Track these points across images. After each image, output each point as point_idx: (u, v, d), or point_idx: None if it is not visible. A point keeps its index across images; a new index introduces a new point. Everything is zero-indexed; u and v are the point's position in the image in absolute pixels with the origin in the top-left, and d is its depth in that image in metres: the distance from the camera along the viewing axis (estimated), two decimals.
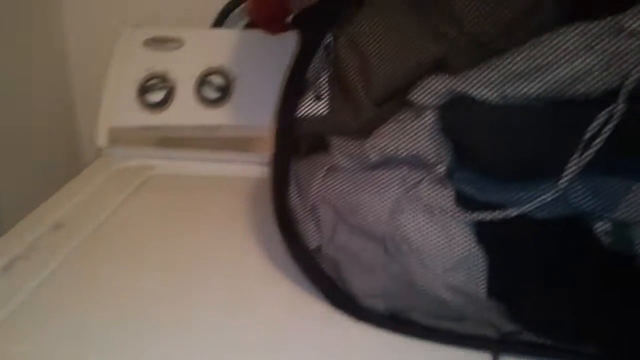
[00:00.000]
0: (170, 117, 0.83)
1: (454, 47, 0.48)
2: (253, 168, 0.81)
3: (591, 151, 0.42)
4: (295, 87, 0.54)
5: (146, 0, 0.93)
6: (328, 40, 0.52)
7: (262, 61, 0.80)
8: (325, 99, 0.53)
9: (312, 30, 0.53)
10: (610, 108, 0.41)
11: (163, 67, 0.82)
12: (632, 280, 0.44)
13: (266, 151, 0.83)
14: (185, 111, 0.83)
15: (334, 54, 0.52)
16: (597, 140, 0.42)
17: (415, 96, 0.50)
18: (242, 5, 0.87)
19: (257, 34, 0.79)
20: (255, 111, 0.81)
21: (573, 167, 0.43)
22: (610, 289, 0.45)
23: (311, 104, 0.54)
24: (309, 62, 0.53)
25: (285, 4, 0.57)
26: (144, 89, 0.82)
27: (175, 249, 0.64)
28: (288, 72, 0.54)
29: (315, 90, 0.54)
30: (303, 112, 0.54)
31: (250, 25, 0.86)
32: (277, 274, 0.61)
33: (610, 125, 0.41)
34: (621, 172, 0.42)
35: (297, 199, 0.57)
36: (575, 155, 0.43)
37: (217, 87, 0.81)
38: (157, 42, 0.83)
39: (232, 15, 0.88)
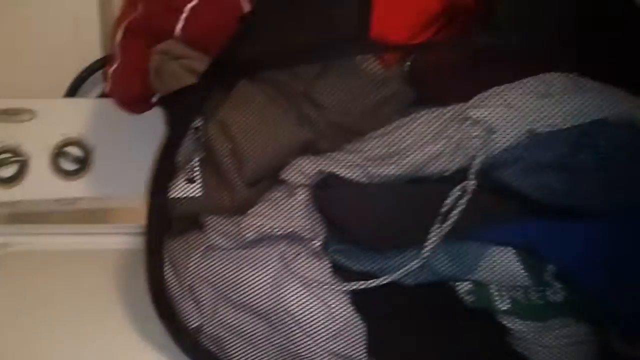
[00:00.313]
0: (25, 191, 0.78)
1: (319, 131, 0.51)
2: (117, 240, 0.78)
3: (449, 223, 0.47)
4: (165, 169, 0.54)
5: None
6: (198, 124, 0.53)
7: (119, 130, 0.79)
8: (197, 181, 0.54)
9: (181, 113, 0.53)
10: (462, 184, 0.47)
11: (15, 141, 0.78)
12: (494, 333, 0.49)
13: (129, 221, 0.82)
14: (41, 184, 0.78)
15: (205, 137, 0.53)
16: (454, 213, 0.47)
17: (287, 176, 0.53)
18: (95, 74, 0.84)
19: (112, 103, 0.78)
20: (115, 182, 0.78)
21: (434, 237, 0.47)
22: (475, 343, 0.50)
23: (183, 186, 0.54)
24: (179, 145, 0.54)
25: (149, 85, 0.57)
26: None
27: (36, 338, 0.60)
28: (158, 155, 0.55)
29: (187, 173, 0.54)
30: (175, 193, 0.54)
31: (104, 94, 0.84)
32: (156, 355, 0.59)
33: (464, 199, 0.47)
34: (476, 239, 0.48)
35: (174, 279, 0.57)
36: (435, 227, 0.48)
37: (75, 159, 0.78)
38: (8, 114, 0.78)
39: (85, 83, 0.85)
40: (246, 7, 0.54)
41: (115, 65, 0.59)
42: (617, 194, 0.45)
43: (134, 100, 0.60)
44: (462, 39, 0.46)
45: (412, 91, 0.51)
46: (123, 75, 0.59)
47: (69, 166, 0.78)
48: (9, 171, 0.77)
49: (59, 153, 0.78)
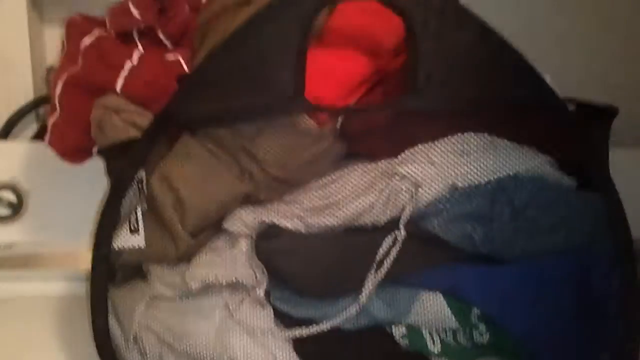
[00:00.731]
0: None
1: (259, 184, 0.54)
2: (54, 286, 0.78)
3: (383, 270, 0.51)
4: (109, 220, 0.55)
5: None
6: (140, 176, 0.54)
7: (54, 173, 0.78)
8: (141, 232, 0.55)
9: (124, 165, 0.54)
10: (393, 234, 0.50)
11: None
12: None
13: (66, 267, 0.82)
14: None
15: (147, 189, 0.55)
16: (387, 260, 0.51)
17: (229, 226, 0.55)
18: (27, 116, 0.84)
19: (46, 146, 0.77)
20: (50, 226, 0.78)
21: (369, 284, 0.51)
22: None
23: (127, 236, 0.55)
24: (122, 197, 0.55)
25: (89, 136, 0.58)
26: None
27: None
28: (102, 206, 0.55)
29: (131, 224, 0.55)
30: (119, 244, 0.55)
31: (38, 136, 0.83)
32: None
33: (395, 248, 0.50)
34: (408, 284, 0.52)
35: (118, 328, 0.58)
36: (370, 274, 0.51)
37: (8, 203, 0.77)
38: None
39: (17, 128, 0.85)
40: (186, 66, 0.56)
41: (55, 118, 0.60)
42: (530, 242, 0.50)
43: (74, 151, 0.61)
44: (387, 104, 0.50)
45: (344, 146, 0.54)
46: (63, 127, 0.60)
47: (2, 211, 0.77)
48: None
49: None
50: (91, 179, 0.71)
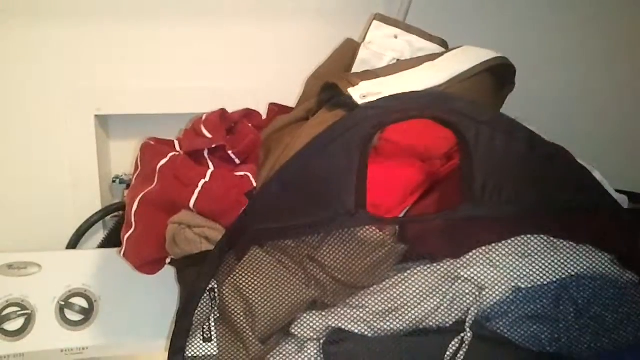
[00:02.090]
0: (32, 343, 0.79)
1: (324, 288, 0.56)
2: None
3: None
4: (183, 329, 0.58)
5: None
6: (212, 286, 0.57)
7: (123, 279, 0.81)
8: (213, 340, 0.58)
9: (197, 276, 0.58)
10: (460, 336, 0.52)
11: (21, 294, 0.80)
12: None
13: None
14: (48, 336, 0.79)
15: (219, 298, 0.57)
16: None
17: (296, 330, 0.57)
18: (95, 227, 0.90)
19: (114, 253, 0.81)
20: (120, 330, 0.79)
21: None
22: None
23: (200, 345, 0.58)
24: (195, 307, 0.57)
25: (162, 249, 0.62)
26: (1, 319, 0.78)
27: None
28: (176, 315, 0.58)
29: (204, 332, 0.58)
30: (193, 352, 0.58)
31: (106, 243, 0.88)
32: None
33: (463, 349, 0.52)
34: None
35: None
36: None
37: (80, 309, 0.80)
38: (13, 268, 0.81)
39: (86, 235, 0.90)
40: (254, 181, 0.60)
41: (130, 232, 0.64)
42: (596, 339, 0.51)
43: (148, 263, 0.64)
44: (445, 214, 0.52)
45: (404, 248, 0.57)
46: (138, 242, 0.64)
47: (74, 317, 0.80)
48: (15, 325, 0.78)
49: (64, 304, 0.80)
50: (159, 284, 0.74)
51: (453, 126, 0.51)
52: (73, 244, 0.89)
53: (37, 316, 0.79)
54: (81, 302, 0.81)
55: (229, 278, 0.57)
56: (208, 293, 0.57)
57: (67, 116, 0.89)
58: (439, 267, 0.54)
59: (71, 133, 0.90)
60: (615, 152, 0.92)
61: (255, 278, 0.57)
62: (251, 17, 0.87)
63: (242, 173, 0.61)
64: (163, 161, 0.62)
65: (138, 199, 0.63)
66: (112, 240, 0.88)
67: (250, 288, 0.57)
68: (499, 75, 0.66)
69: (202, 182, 0.59)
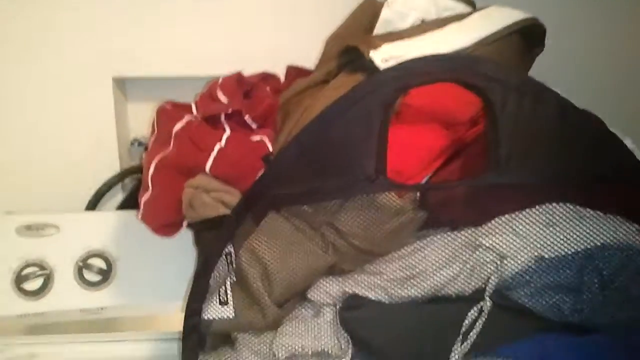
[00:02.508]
0: (51, 303, 0.79)
1: (342, 255, 0.56)
2: (144, 346, 0.80)
3: (469, 341, 0.51)
4: (200, 292, 0.58)
5: (15, 186, 0.92)
6: (229, 250, 0.57)
7: (141, 240, 0.81)
8: (229, 304, 0.58)
9: (214, 240, 0.57)
10: (479, 305, 0.51)
11: (39, 254, 0.79)
12: None
13: (155, 329, 0.85)
14: (66, 296, 0.79)
15: (236, 262, 0.57)
16: (473, 332, 0.51)
17: (313, 296, 0.57)
18: (114, 188, 0.90)
19: (132, 215, 0.81)
20: (138, 290, 0.80)
21: (456, 356, 0.51)
22: None
23: (216, 308, 0.58)
24: (211, 270, 0.57)
25: (180, 213, 0.61)
26: (20, 278, 0.79)
27: None
28: (192, 279, 0.58)
29: (220, 295, 0.58)
30: (209, 315, 0.58)
31: (124, 206, 0.88)
32: None
33: (482, 319, 0.51)
34: (495, 355, 0.52)
35: None
36: (456, 346, 0.51)
37: (98, 270, 0.81)
38: (31, 229, 0.81)
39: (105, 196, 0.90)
40: (270, 146, 0.59)
41: (147, 196, 0.64)
42: (620, 310, 0.50)
43: (165, 225, 0.64)
44: (469, 181, 0.51)
45: (424, 215, 0.56)
46: (155, 205, 0.63)
47: (93, 277, 0.81)
48: (34, 284, 0.79)
49: (82, 265, 0.81)
50: (177, 246, 0.74)
51: (479, 90, 0.49)
52: (92, 205, 0.89)
53: (56, 276, 0.79)
54: (99, 262, 0.81)
55: (246, 242, 0.56)
56: (225, 256, 0.57)
57: (85, 79, 0.88)
58: (459, 234, 0.53)
59: (89, 95, 0.90)
60: None
61: (273, 242, 0.56)
62: None
63: (258, 137, 0.60)
64: (179, 125, 0.61)
65: (154, 162, 0.62)
66: (130, 203, 0.88)
67: (267, 252, 0.56)
68: (528, 36, 0.63)
69: (217, 146, 0.58)
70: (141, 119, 0.94)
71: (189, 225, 0.63)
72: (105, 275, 0.81)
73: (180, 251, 0.76)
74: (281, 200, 0.54)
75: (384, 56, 0.58)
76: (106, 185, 0.89)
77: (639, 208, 0.50)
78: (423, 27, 0.64)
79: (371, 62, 0.59)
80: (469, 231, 0.53)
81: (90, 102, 0.89)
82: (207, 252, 0.58)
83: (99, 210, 0.90)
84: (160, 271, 0.79)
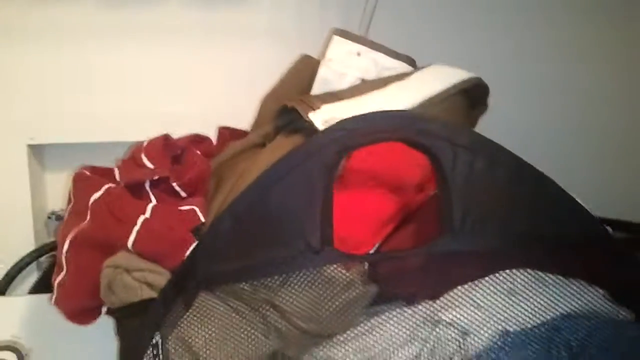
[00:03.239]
0: None
1: (286, 339, 0.49)
2: None
3: None
4: None
5: None
6: (155, 340, 0.50)
7: (57, 329, 0.72)
8: None
9: (137, 329, 0.50)
10: None
11: None
12: None
13: None
14: None
15: (163, 354, 0.50)
16: None
17: None
18: (28, 268, 0.80)
19: (47, 299, 0.73)
20: None
21: None
22: None
23: None
24: None
25: (98, 296, 0.54)
26: None
27: None
28: None
29: None
30: None
31: (39, 288, 0.79)
32: None
33: None
34: None
35: None
36: None
37: None
38: None
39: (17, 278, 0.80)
40: (201, 216, 0.53)
41: (61, 277, 0.56)
42: None
43: (81, 311, 0.56)
44: (422, 249, 0.46)
45: (375, 288, 0.50)
46: (70, 287, 0.56)
47: None
48: None
49: None
50: (99, 337, 0.66)
51: (426, 149, 0.45)
52: (2, 289, 0.79)
53: None
54: (10, 356, 0.71)
55: (175, 330, 0.49)
56: (151, 349, 0.50)
57: None
58: (416, 309, 0.48)
59: (1, 165, 0.82)
60: (591, 176, 0.88)
61: (206, 329, 0.49)
62: (195, 35, 0.81)
63: (187, 207, 0.53)
64: (97, 194, 0.54)
65: (69, 238, 0.54)
66: (46, 285, 0.78)
67: (200, 341, 0.49)
68: (470, 96, 0.61)
69: (141, 218, 0.51)
70: (60, 190, 0.87)
71: (109, 312, 0.56)
72: None
73: (103, 341, 0.68)
74: (215, 279, 0.48)
75: (325, 117, 0.54)
76: (18, 266, 0.79)
77: (603, 271, 0.47)
78: (364, 86, 0.61)
79: (311, 124, 0.55)
80: (427, 305, 0.48)
81: (1, 171, 0.82)
82: (130, 344, 0.51)
83: (10, 295, 0.80)
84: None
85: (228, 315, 0.50)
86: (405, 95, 0.58)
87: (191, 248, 0.51)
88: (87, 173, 0.60)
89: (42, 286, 0.80)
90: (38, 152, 0.85)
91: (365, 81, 0.63)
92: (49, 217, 0.87)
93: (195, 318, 0.50)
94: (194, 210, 0.53)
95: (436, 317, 0.47)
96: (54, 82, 0.80)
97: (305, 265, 0.46)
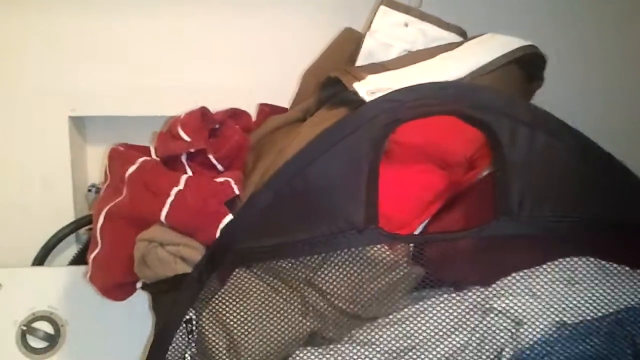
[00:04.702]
0: None
1: (325, 320, 0.47)
2: None
3: None
4: None
5: None
6: (190, 316, 0.48)
7: (94, 301, 0.72)
8: None
9: (172, 305, 0.49)
10: None
11: None
12: None
13: None
14: None
15: (197, 331, 0.48)
16: None
17: None
18: (67, 238, 0.80)
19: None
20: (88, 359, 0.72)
21: None
22: None
23: None
24: (169, 342, 0.48)
25: (132, 272, 0.53)
26: None
27: None
28: (148, 350, 0.49)
29: None
30: None
31: (77, 260, 0.79)
32: None
33: None
34: None
35: None
36: None
37: (44, 335, 0.72)
38: None
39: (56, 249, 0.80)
40: (237, 188, 0.51)
41: (96, 252, 0.55)
42: None
43: (116, 287, 0.55)
44: (475, 231, 0.43)
45: (421, 271, 0.48)
46: (105, 262, 0.54)
47: (37, 344, 0.72)
48: None
49: (26, 329, 0.72)
50: (134, 308, 0.66)
51: (483, 124, 0.42)
52: (40, 260, 0.79)
53: None
54: (46, 327, 0.72)
55: (210, 307, 0.48)
56: (185, 325, 0.48)
57: (37, 117, 0.81)
58: (465, 296, 0.45)
59: (41, 135, 0.81)
60: None
61: (241, 307, 0.48)
62: (237, 7, 0.78)
63: (222, 179, 0.51)
64: (132, 168, 0.53)
65: (103, 212, 0.53)
66: (85, 258, 0.79)
67: (235, 319, 0.48)
68: (527, 67, 0.57)
69: (174, 190, 0.50)
70: (100, 163, 0.85)
71: (144, 287, 0.54)
72: (52, 341, 0.72)
73: (139, 314, 0.68)
74: (252, 256, 0.46)
75: (370, 88, 0.51)
76: (57, 237, 0.79)
77: None
78: (411, 57, 0.58)
79: (355, 94, 0.52)
80: (477, 292, 0.45)
81: (42, 142, 0.81)
82: (164, 320, 0.49)
83: (47, 266, 0.81)
84: (115, 337, 0.71)
85: (264, 293, 0.48)
86: (455, 65, 0.54)
87: (225, 221, 0.49)
88: (122, 149, 0.58)
89: (81, 259, 0.79)
90: (79, 124, 0.85)
91: (413, 52, 0.60)
92: (89, 190, 0.85)
93: (230, 295, 0.48)
94: (229, 182, 0.51)
95: (487, 305, 0.44)
96: (95, 54, 0.79)
97: (348, 245, 0.44)
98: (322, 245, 0.44)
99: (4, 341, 0.71)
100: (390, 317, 0.47)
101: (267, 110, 0.67)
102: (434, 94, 0.43)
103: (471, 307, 0.44)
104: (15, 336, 0.72)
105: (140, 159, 0.53)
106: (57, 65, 0.79)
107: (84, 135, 0.87)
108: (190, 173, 0.53)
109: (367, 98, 0.51)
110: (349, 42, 0.63)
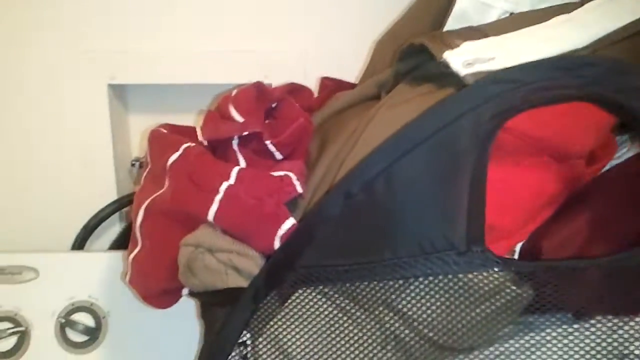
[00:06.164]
0: None
1: (409, 352, 0.39)
2: None
3: None
4: None
5: None
6: (243, 339, 0.41)
7: None
8: None
9: (224, 323, 0.43)
10: None
11: (13, 306, 0.68)
12: None
13: None
14: (44, 359, 0.68)
15: (253, 356, 0.41)
16: None
17: None
18: (110, 220, 0.77)
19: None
20: (132, 355, 0.69)
21: None
22: None
23: None
24: None
25: (177, 277, 0.46)
26: None
27: None
28: None
29: None
30: None
31: (118, 244, 0.76)
32: None
33: None
34: None
35: None
36: None
37: (84, 328, 0.69)
38: (4, 274, 0.69)
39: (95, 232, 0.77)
40: (299, 185, 0.43)
41: (136, 251, 0.49)
42: None
43: (159, 293, 0.49)
44: (613, 258, 0.33)
45: (531, 292, 0.38)
46: (146, 264, 0.49)
47: (77, 337, 0.69)
48: (6, 344, 0.68)
49: (65, 322, 0.69)
50: (183, 298, 0.61)
51: (627, 111, 0.32)
52: (79, 243, 0.77)
53: (33, 334, 0.69)
54: (86, 318, 0.70)
55: (268, 330, 0.42)
56: (238, 348, 0.42)
57: (75, 85, 0.77)
58: (592, 329, 0.36)
59: (79, 105, 0.77)
60: None
61: (305, 331, 0.41)
62: None
63: (281, 173, 0.44)
64: (174, 156, 0.45)
65: (143, 206, 0.47)
66: (128, 240, 0.75)
67: (298, 345, 0.41)
68: None
69: (224, 185, 0.43)
70: (145, 135, 0.81)
71: (191, 294, 0.48)
72: (93, 334, 0.69)
73: (186, 305, 0.61)
74: (318, 275, 0.38)
75: (467, 58, 0.41)
76: (97, 218, 0.76)
77: None
78: (516, 20, 0.48)
79: (446, 66, 0.42)
80: (607, 325, 0.35)
81: (80, 112, 0.77)
82: (214, 340, 0.43)
83: (88, 251, 0.78)
84: (159, 330, 0.68)
85: (333, 315, 0.41)
86: (574, 32, 0.44)
87: (285, 226, 0.41)
88: (165, 131, 0.51)
89: (124, 241, 0.75)
90: (120, 93, 0.80)
91: (518, 14, 0.49)
92: (132, 164, 0.82)
93: (292, 316, 0.42)
94: (290, 178, 0.43)
95: (622, 347, 0.34)
96: (135, 17, 0.75)
97: (444, 271, 0.35)
98: (409, 270, 0.35)
99: (42, 333, 0.69)
100: (491, 349, 0.38)
101: (332, 86, 0.59)
102: (563, 74, 0.33)
103: (600, 347, 0.35)
104: (53, 329, 0.70)
105: (184, 145, 0.46)
106: (94, 30, 0.75)
107: (126, 105, 0.83)
108: (242, 163, 0.45)
109: (463, 71, 0.41)
110: (436, 2, 0.53)
